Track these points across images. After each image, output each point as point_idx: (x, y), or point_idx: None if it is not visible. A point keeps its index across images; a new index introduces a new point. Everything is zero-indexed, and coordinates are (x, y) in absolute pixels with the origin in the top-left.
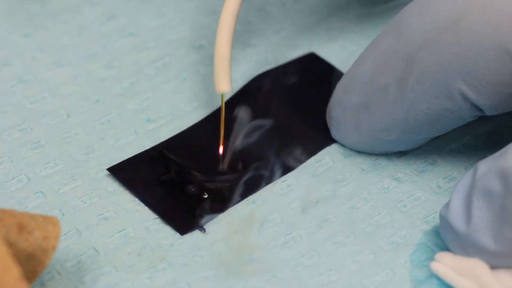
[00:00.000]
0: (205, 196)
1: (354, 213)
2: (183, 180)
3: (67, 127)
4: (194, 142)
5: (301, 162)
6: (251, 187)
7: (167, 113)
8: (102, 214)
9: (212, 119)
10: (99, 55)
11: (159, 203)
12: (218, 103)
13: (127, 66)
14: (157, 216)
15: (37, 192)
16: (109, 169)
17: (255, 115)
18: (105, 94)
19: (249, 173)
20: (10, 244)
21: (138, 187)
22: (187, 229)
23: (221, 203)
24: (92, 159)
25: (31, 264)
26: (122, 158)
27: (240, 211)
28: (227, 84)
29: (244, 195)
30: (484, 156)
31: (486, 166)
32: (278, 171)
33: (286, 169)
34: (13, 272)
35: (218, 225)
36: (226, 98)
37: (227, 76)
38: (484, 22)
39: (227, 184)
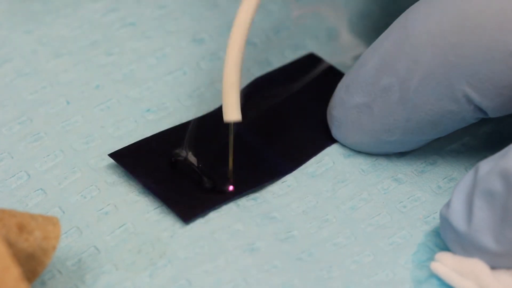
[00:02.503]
0: (207, 185)
1: (354, 214)
2: (184, 168)
3: (67, 115)
4: (195, 134)
5: (301, 162)
6: (253, 182)
7: (167, 105)
8: (102, 208)
9: (213, 116)
10: (99, 43)
11: (162, 189)
12: (218, 101)
13: (127, 53)
14: (157, 206)
15: (37, 190)
16: (110, 155)
17: (255, 116)
18: (105, 79)
19: (250, 169)
20: (10, 244)
21: (141, 172)
22: (190, 216)
23: (223, 193)
24: (92, 149)
25: (31, 264)
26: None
27: (240, 206)
28: (236, 112)
29: (246, 187)
30: (485, 156)
31: (488, 166)
32: (278, 171)
33: (286, 169)
34: (13, 272)
35: (219, 214)
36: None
37: (236, 104)
38: (488, 24)
39: (229, 178)
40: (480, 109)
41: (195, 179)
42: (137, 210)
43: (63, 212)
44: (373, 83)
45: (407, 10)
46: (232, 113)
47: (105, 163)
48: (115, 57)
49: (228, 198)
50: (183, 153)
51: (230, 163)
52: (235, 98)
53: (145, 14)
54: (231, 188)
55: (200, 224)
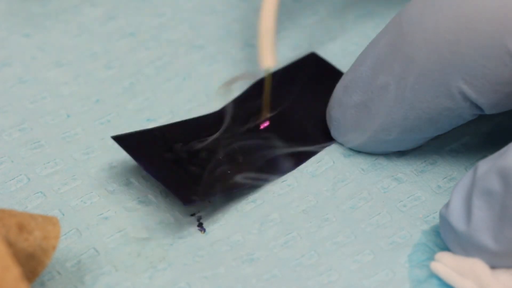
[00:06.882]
0: (207, 174)
1: (354, 213)
2: (185, 160)
3: (67, 127)
4: (196, 131)
5: (301, 162)
6: (252, 181)
7: (167, 113)
8: (102, 213)
9: (214, 116)
10: (99, 55)
11: (164, 173)
12: (218, 103)
13: (127, 66)
14: (157, 215)
15: (37, 192)
16: (113, 137)
17: (256, 116)
18: (105, 94)
19: (249, 168)
20: (10, 244)
21: (143, 157)
22: (191, 200)
23: (223, 184)
24: (92, 159)
25: (31, 264)
26: (122, 158)
27: (240, 211)
28: (272, 59)
29: (245, 185)
30: (484, 156)
31: (486, 165)
32: (277, 171)
33: (286, 169)
34: (13, 272)
35: (218, 225)
36: (228, 98)
37: (272, 51)
38: (483, 21)
39: (228, 172)
40: (476, 106)
41: (194, 171)
42: (137, 217)
43: (63, 215)
44: (370, 82)
45: (402, 8)
46: (268, 60)
47: (105, 173)
48: (115, 70)
49: (230, 188)
50: (179, 148)
51: (265, 108)
52: (270, 44)
53: (144, 23)
54: (266, 124)
55: (199, 236)
